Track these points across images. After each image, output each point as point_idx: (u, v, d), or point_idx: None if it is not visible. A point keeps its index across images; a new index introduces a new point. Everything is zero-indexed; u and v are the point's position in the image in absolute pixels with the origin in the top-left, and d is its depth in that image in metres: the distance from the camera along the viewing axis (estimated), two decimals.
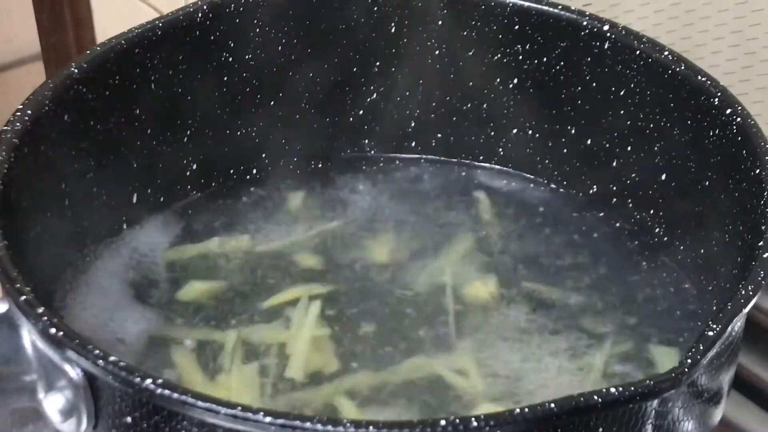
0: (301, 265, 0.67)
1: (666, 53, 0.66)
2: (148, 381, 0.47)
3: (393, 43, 0.72)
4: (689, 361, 0.49)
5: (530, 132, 0.73)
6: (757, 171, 0.59)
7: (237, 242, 0.68)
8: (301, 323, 0.63)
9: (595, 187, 0.72)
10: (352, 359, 0.62)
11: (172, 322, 0.63)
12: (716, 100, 0.63)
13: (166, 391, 0.47)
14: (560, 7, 0.69)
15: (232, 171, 0.72)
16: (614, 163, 0.70)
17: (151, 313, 0.64)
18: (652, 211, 0.69)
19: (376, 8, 0.71)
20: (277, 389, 0.60)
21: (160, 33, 0.66)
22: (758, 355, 0.69)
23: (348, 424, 0.45)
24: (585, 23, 0.68)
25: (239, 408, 0.46)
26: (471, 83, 0.73)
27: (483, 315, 0.65)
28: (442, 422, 0.45)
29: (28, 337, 0.52)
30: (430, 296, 0.66)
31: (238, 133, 0.72)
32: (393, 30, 0.72)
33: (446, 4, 0.71)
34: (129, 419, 0.49)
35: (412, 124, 0.75)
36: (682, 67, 0.65)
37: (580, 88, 0.70)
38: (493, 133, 0.74)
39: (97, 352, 0.48)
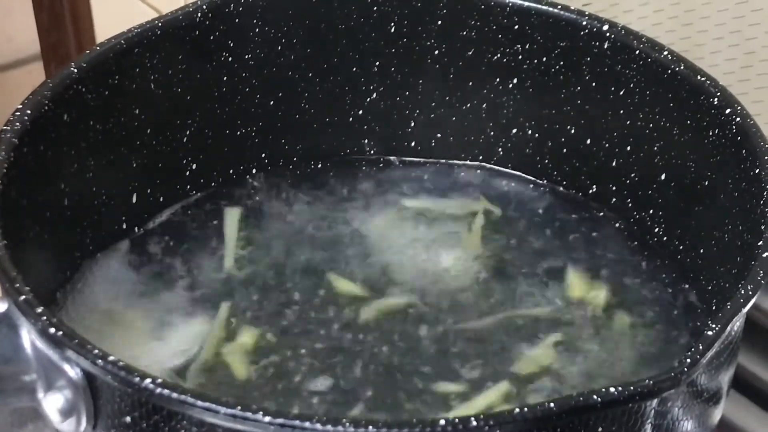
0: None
1: (665, 53, 0.66)
2: (148, 381, 0.47)
3: (393, 43, 0.72)
4: (689, 360, 0.49)
5: (530, 132, 0.73)
6: (757, 171, 0.59)
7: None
8: None
9: (594, 187, 0.72)
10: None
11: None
12: (716, 99, 0.63)
13: (166, 391, 0.47)
14: (560, 6, 0.69)
15: (231, 171, 0.72)
16: (614, 163, 0.70)
17: (151, 312, 0.64)
18: (651, 211, 0.69)
19: (376, 8, 0.71)
20: None
21: (159, 33, 0.66)
22: (758, 355, 0.69)
23: (348, 424, 0.45)
24: (584, 23, 0.68)
25: (239, 407, 0.46)
26: (471, 83, 0.73)
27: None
28: (442, 422, 0.46)
29: (28, 336, 0.52)
30: (430, 297, 0.66)
31: (238, 133, 0.72)
32: (393, 30, 0.72)
33: (446, 4, 0.71)
34: (128, 419, 0.49)
35: (412, 124, 0.75)
36: (682, 67, 0.65)
37: (579, 87, 0.70)
38: (492, 133, 0.74)
39: (96, 351, 0.48)
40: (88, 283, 0.65)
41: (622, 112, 0.68)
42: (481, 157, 0.75)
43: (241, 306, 0.65)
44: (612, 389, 0.47)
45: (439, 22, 0.71)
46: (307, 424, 0.45)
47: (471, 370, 0.61)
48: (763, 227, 0.56)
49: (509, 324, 0.64)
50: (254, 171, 0.73)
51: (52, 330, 0.49)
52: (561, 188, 0.73)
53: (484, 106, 0.73)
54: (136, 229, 0.68)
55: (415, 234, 0.70)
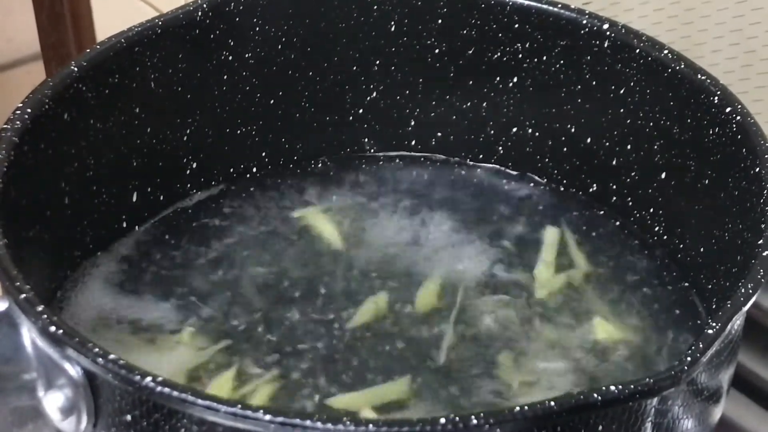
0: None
1: (666, 52, 0.66)
2: (148, 379, 0.47)
3: (393, 42, 0.72)
4: (689, 359, 0.49)
5: (530, 131, 0.73)
6: (757, 169, 0.59)
7: None
8: None
9: (594, 185, 0.72)
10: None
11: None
12: (716, 98, 0.63)
13: (166, 389, 0.47)
14: (560, 5, 0.69)
15: (231, 170, 0.72)
16: (614, 162, 0.70)
17: (150, 311, 0.64)
18: (651, 210, 0.69)
19: (375, 7, 0.71)
20: None
21: (159, 32, 0.66)
22: (758, 354, 0.69)
23: (348, 422, 0.45)
24: (585, 22, 0.68)
25: (239, 406, 0.46)
26: (471, 82, 0.73)
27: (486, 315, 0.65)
28: (442, 420, 0.45)
29: (28, 335, 0.52)
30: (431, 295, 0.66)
31: (238, 132, 0.72)
32: (393, 29, 0.72)
33: (446, 3, 0.71)
34: (129, 417, 0.49)
35: (412, 123, 0.75)
36: (682, 66, 0.65)
37: (579, 86, 0.70)
38: (492, 133, 0.74)
39: (96, 350, 0.48)
40: (88, 282, 0.65)
41: (622, 110, 0.68)
42: (481, 156, 0.75)
43: (237, 304, 0.65)
44: (612, 388, 0.47)
45: (440, 21, 0.71)
46: (307, 423, 0.45)
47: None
48: (763, 226, 0.56)
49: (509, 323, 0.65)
50: (255, 170, 0.73)
51: (53, 328, 0.49)
52: (561, 187, 0.73)
53: (485, 105, 0.73)
54: (136, 228, 0.68)
55: (415, 233, 0.70)
